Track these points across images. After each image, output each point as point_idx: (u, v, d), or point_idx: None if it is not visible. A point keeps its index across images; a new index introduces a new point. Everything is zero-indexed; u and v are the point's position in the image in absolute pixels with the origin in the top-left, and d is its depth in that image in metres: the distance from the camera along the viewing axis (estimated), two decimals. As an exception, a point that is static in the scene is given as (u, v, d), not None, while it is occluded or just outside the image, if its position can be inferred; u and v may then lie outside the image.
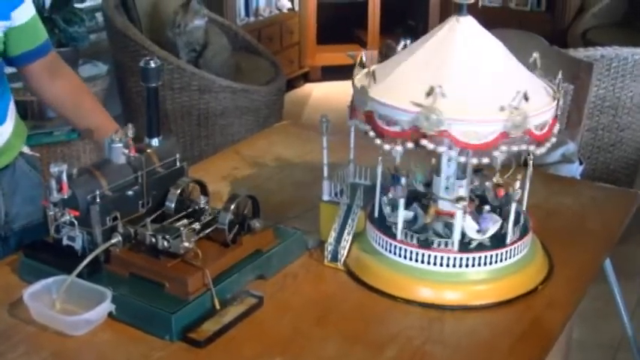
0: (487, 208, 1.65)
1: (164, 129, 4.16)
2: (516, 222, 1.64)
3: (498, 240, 1.62)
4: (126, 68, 4.27)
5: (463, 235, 1.60)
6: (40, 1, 3.92)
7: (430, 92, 1.48)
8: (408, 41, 1.66)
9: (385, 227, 1.65)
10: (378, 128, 1.55)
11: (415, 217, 1.66)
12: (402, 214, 1.60)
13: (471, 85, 1.53)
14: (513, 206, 1.58)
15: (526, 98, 1.48)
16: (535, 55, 1.64)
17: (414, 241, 1.60)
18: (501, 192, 1.70)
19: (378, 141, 1.55)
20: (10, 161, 2.02)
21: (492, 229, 1.62)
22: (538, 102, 1.53)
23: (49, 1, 3.99)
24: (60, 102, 2.11)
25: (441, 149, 1.50)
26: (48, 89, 2.07)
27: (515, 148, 1.51)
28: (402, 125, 1.51)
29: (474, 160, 1.53)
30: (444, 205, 1.65)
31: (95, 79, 4.09)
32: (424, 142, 1.49)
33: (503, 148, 1.50)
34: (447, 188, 1.65)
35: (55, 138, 3.98)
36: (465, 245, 1.60)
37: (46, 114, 3.90)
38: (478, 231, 1.61)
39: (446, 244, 1.59)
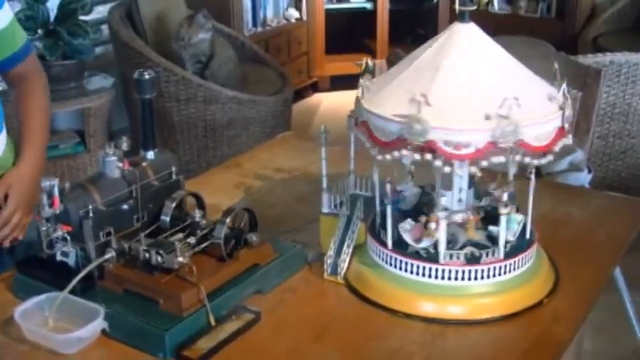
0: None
1: (171, 141, 4.14)
2: (522, 233, 1.60)
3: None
4: (132, 80, 4.23)
5: (462, 245, 1.56)
6: (45, 14, 3.90)
7: (413, 101, 1.45)
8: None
9: (385, 240, 1.61)
10: (373, 138, 1.52)
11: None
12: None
13: (458, 94, 1.49)
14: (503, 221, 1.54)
15: (517, 106, 1.43)
16: (555, 66, 1.59)
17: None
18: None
19: (373, 151, 1.53)
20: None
21: None
22: (536, 111, 1.48)
23: (54, 13, 3.97)
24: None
25: (427, 159, 1.46)
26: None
27: (503, 159, 1.47)
28: (390, 136, 1.48)
29: (468, 169, 1.49)
30: (456, 218, 1.61)
31: (101, 92, 4.07)
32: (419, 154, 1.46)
33: (493, 158, 1.46)
34: (460, 200, 1.61)
35: (61, 151, 3.98)
36: (473, 258, 1.55)
37: (51, 127, 3.89)
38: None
39: (493, 253, 1.55)
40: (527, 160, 1.48)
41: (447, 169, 1.48)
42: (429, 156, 1.46)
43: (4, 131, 2.00)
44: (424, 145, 1.45)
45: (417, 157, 1.47)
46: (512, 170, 1.63)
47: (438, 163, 1.47)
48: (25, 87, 2.04)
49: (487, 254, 1.55)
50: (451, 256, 1.55)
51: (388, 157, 1.50)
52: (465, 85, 1.50)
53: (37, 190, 1.88)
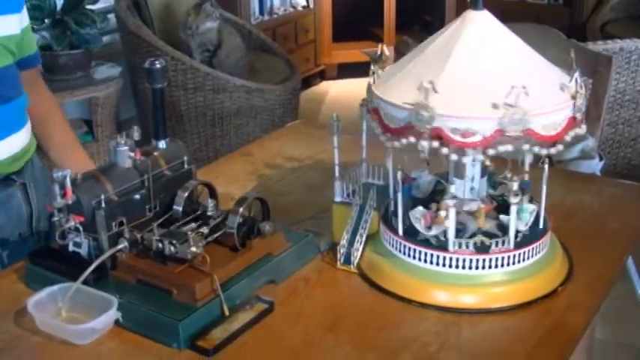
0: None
1: (179, 130, 4.13)
2: (535, 222, 1.59)
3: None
4: (139, 70, 4.24)
5: (472, 234, 1.55)
6: (52, 3, 3.90)
7: (421, 88, 1.44)
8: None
9: (397, 227, 1.60)
10: (383, 125, 1.52)
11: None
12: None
13: (467, 81, 1.47)
14: (513, 211, 1.52)
15: (526, 94, 1.42)
16: (572, 55, 1.55)
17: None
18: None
19: (383, 138, 1.53)
20: (29, 157, 2.02)
21: None
22: (546, 100, 1.47)
23: (61, 3, 3.97)
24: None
25: (435, 146, 1.46)
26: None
27: (510, 148, 1.46)
28: (399, 122, 1.48)
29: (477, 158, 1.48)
30: (468, 206, 1.60)
31: (108, 81, 4.07)
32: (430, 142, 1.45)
33: (501, 147, 1.45)
34: (472, 189, 1.60)
35: (69, 141, 3.96)
36: (482, 247, 1.54)
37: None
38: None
39: (503, 243, 1.53)
40: (535, 149, 1.48)
41: (453, 156, 1.47)
42: (436, 143, 1.46)
43: (28, 121, 2.01)
44: (432, 132, 1.45)
45: (425, 144, 1.46)
46: (528, 159, 1.63)
47: (445, 150, 1.46)
48: (47, 113, 2.13)
49: (497, 243, 1.54)
50: (460, 245, 1.54)
51: (397, 144, 1.51)
52: (474, 73, 1.48)
53: None
